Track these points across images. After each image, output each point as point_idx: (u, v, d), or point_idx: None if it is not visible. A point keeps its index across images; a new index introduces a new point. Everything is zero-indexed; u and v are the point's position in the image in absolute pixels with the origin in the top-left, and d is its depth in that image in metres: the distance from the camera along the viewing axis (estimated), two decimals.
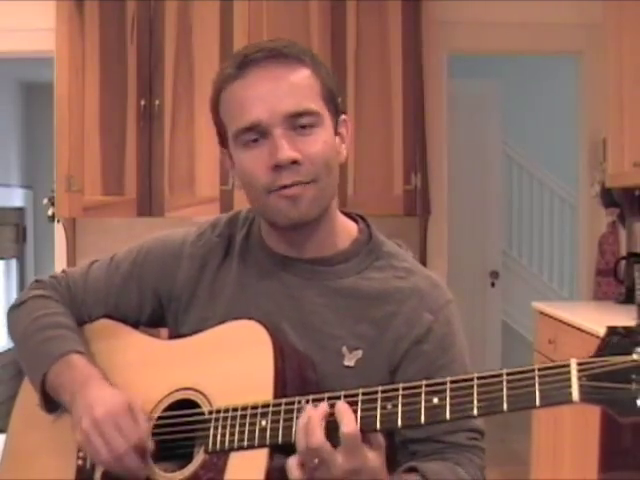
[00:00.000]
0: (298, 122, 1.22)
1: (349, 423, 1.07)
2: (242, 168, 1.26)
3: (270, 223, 1.30)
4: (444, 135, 4.10)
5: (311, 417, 1.08)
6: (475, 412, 1.04)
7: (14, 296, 6.52)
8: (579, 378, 0.98)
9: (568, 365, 1.00)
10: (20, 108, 6.79)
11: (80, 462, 1.32)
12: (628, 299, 3.60)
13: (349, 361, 1.26)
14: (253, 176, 1.24)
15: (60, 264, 3.93)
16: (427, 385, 1.08)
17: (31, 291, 1.47)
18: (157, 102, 3.64)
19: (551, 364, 1.01)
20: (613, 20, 3.54)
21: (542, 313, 3.62)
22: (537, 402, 1.00)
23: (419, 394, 1.07)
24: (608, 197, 3.95)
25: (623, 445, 2.61)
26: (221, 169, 3.63)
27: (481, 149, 5.65)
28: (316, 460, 1.07)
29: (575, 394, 0.98)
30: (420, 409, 1.06)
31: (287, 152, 1.20)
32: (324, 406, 1.10)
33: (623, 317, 3.12)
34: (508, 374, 1.03)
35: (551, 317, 3.49)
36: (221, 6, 3.67)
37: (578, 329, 3.10)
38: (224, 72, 1.27)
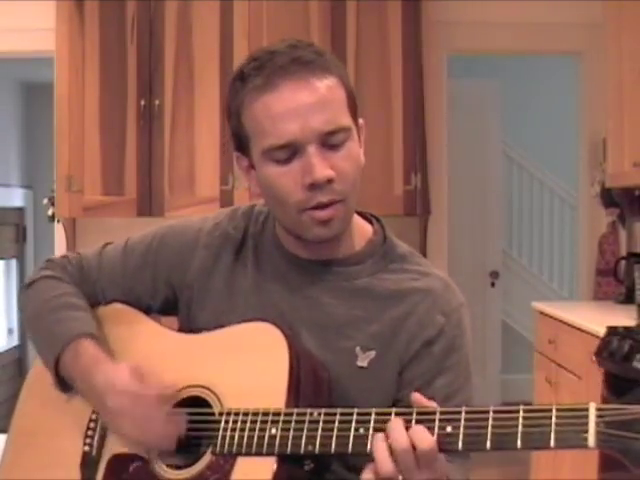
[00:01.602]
0: (331, 140, 1.21)
1: (426, 438, 1.05)
2: (271, 183, 1.24)
3: (297, 236, 1.29)
4: (444, 135, 4.10)
5: (391, 428, 1.06)
6: (488, 445, 1.03)
7: (14, 296, 6.52)
8: (597, 424, 0.97)
9: (587, 409, 0.99)
10: (20, 108, 6.79)
11: (87, 448, 1.32)
12: (628, 299, 3.59)
13: (362, 361, 1.26)
14: (285, 193, 1.22)
15: None
16: (442, 412, 1.07)
17: (41, 271, 1.46)
18: (157, 102, 3.64)
19: (569, 406, 1.01)
20: (613, 20, 3.54)
21: (542, 313, 3.62)
22: (552, 443, 0.99)
23: (433, 420, 1.06)
24: (608, 197, 3.95)
25: None
26: (221, 169, 3.63)
27: (481, 149, 5.65)
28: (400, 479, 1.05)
29: (591, 440, 0.97)
30: (432, 436, 1.05)
31: (323, 171, 1.19)
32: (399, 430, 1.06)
33: (623, 317, 3.12)
34: (525, 411, 1.02)
35: (551, 317, 3.48)
36: (221, 6, 3.67)
37: (578, 329, 3.09)
38: (249, 80, 1.22)
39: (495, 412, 1.03)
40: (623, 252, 3.92)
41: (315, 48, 1.25)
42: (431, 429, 1.05)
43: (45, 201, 4.01)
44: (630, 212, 3.87)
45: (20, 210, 6.78)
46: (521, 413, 1.02)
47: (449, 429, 1.05)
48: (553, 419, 1.00)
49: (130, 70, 3.67)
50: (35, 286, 1.44)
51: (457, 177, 4.93)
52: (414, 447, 1.04)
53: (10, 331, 6.57)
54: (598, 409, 0.98)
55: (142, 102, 3.64)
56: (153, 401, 1.22)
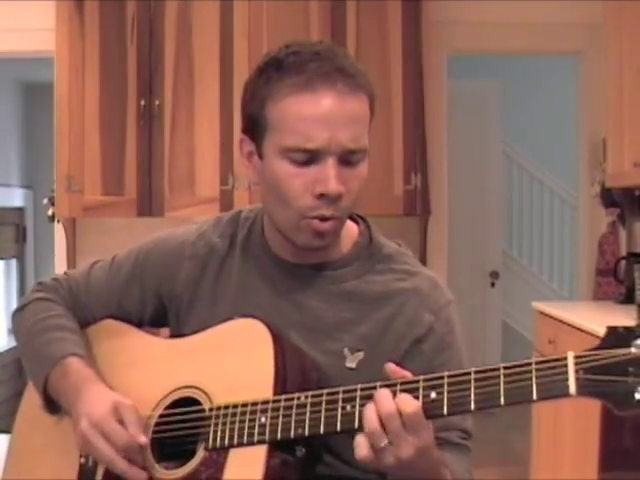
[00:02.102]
0: (350, 157, 1.22)
1: (411, 403, 1.08)
2: (279, 181, 1.23)
3: (286, 237, 1.29)
4: (444, 135, 4.11)
5: (379, 396, 1.09)
6: (472, 406, 1.05)
7: (14, 296, 6.53)
8: (576, 371, 0.99)
9: (565, 358, 1.01)
10: (20, 108, 6.79)
11: (83, 460, 1.33)
12: (628, 299, 3.60)
13: (351, 363, 1.27)
14: (291, 195, 1.23)
15: (60, 264, 3.93)
16: (425, 380, 1.09)
17: (33, 294, 1.48)
18: (157, 102, 3.64)
19: (548, 357, 1.02)
20: (613, 20, 3.54)
21: (542, 313, 3.62)
22: (534, 396, 1.01)
23: (417, 389, 1.09)
24: (608, 197, 3.95)
25: (623, 445, 2.61)
26: (221, 169, 3.63)
27: (481, 149, 5.66)
28: (385, 440, 1.07)
29: (572, 387, 0.99)
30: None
31: (338, 185, 1.21)
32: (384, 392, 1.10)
33: (623, 317, 3.12)
34: (505, 368, 1.04)
35: (551, 317, 3.49)
36: (221, 6, 3.68)
37: (578, 329, 3.10)
38: (288, 74, 1.21)
39: (476, 373, 1.06)
40: (623, 252, 3.92)
41: (351, 60, 1.25)
42: (416, 397, 1.08)
43: (45, 201, 4.01)
44: (630, 212, 3.87)
45: (20, 210, 6.79)
46: (502, 371, 1.04)
47: (433, 395, 1.07)
48: (533, 372, 1.02)
49: (130, 70, 3.67)
50: (27, 309, 1.46)
51: (457, 177, 4.93)
52: (400, 413, 1.07)
53: (10, 331, 6.57)
54: (576, 357, 1.00)
55: (142, 102, 3.64)
56: (117, 449, 1.22)
